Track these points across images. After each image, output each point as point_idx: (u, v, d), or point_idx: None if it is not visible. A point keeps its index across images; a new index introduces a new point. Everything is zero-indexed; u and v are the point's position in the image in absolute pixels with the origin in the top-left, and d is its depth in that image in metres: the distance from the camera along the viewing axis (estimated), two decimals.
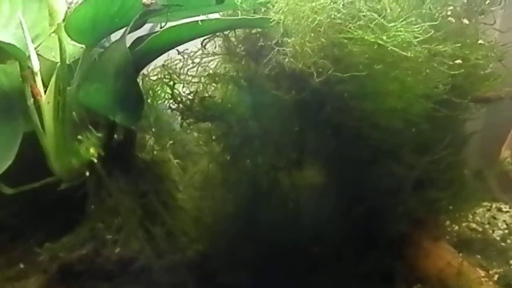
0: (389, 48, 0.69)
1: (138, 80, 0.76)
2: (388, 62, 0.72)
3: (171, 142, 0.92)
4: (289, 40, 0.74)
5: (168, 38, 0.72)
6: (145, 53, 0.73)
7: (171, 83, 0.76)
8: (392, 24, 0.70)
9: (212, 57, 0.79)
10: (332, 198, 0.82)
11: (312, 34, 0.72)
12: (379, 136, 0.78)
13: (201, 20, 0.70)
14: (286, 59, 0.73)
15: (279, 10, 0.76)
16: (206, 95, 0.76)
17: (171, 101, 0.79)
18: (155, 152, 0.93)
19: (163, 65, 0.77)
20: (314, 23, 0.71)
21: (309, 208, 0.83)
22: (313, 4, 0.72)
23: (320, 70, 0.73)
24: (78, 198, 0.92)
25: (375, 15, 0.70)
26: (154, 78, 0.84)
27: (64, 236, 1.00)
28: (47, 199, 0.94)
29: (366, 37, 0.70)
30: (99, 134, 0.85)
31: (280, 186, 0.80)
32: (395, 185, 0.83)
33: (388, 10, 0.74)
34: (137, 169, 0.87)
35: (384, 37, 0.70)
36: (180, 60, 0.83)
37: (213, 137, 0.79)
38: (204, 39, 0.76)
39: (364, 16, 0.70)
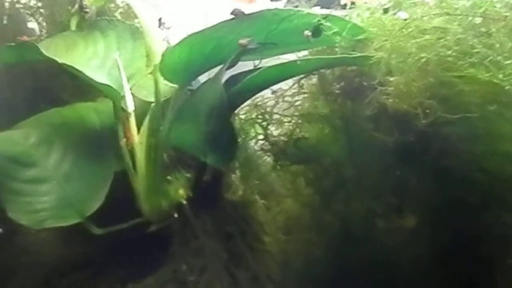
0: (506, 88, 0.64)
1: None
2: (503, 102, 0.67)
3: (257, 182, 0.89)
4: (391, 79, 0.70)
5: (266, 78, 0.69)
6: (240, 92, 0.71)
7: (264, 123, 0.73)
8: (509, 61, 0.65)
9: (305, 96, 0.76)
10: (434, 246, 0.75)
11: (418, 73, 0.68)
12: (488, 181, 0.72)
13: (300, 59, 0.67)
14: (390, 99, 0.69)
15: (380, 47, 0.73)
16: (300, 136, 0.73)
17: (261, 141, 0.77)
18: (240, 192, 0.90)
19: (255, 105, 0.75)
20: (421, 61, 0.67)
21: (406, 256, 0.77)
22: (418, 40, 0.68)
23: (427, 111, 0.68)
24: (162, 238, 0.91)
25: (490, 52, 0.65)
26: (243, 116, 0.82)
27: (147, 276, 0.99)
28: (132, 238, 0.94)
29: (479, 76, 0.65)
30: (188, 175, 0.84)
31: (377, 232, 0.75)
32: (506, 234, 0.76)
33: (498, 45, 0.69)
34: (224, 210, 0.85)
35: (500, 76, 0.65)
36: (270, 99, 0.81)
37: (305, 179, 0.75)
38: (301, 78, 0.74)
39: (477, 52, 0.65)
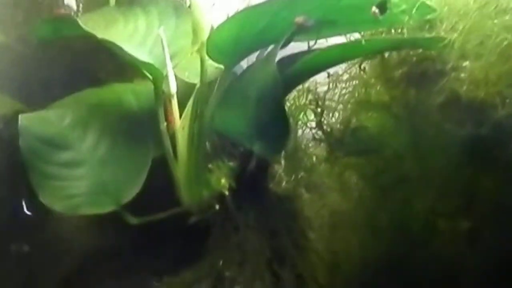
0: None
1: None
2: None
3: (305, 174, 0.82)
4: (464, 64, 0.63)
5: (326, 59, 0.63)
6: (295, 75, 0.64)
7: (318, 110, 0.67)
8: None
9: (363, 81, 0.69)
10: (503, 253, 0.68)
11: (498, 57, 0.61)
12: None
13: (366, 39, 0.60)
14: (464, 87, 0.61)
15: (451, 28, 0.65)
16: (358, 125, 0.66)
17: (313, 129, 0.70)
18: (285, 185, 0.84)
19: (307, 89, 0.69)
20: (503, 44, 0.59)
21: (470, 263, 0.70)
22: (500, 20, 0.60)
23: (506, 100, 0.60)
24: (201, 231, 0.85)
25: None
26: (292, 101, 0.76)
27: (183, 269, 0.94)
28: (169, 229, 0.89)
29: None
30: (231, 164, 0.78)
31: (439, 235, 0.68)
32: None
33: None
34: (269, 204, 0.79)
35: None
36: (323, 83, 0.74)
37: (362, 174, 0.69)
38: (359, 61, 0.67)
39: None
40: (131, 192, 0.74)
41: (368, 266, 0.76)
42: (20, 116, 0.78)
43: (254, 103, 0.66)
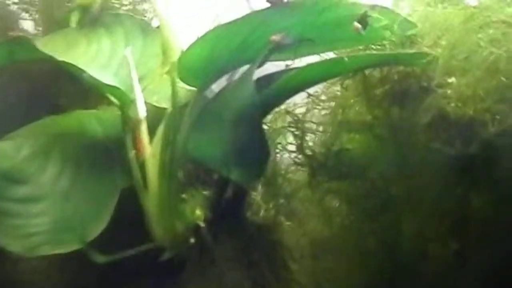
0: None
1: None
2: None
3: (283, 201, 0.78)
4: (450, 80, 0.61)
5: (306, 78, 0.59)
6: (274, 95, 0.60)
7: (298, 132, 0.63)
8: None
9: (344, 100, 0.66)
10: (499, 280, 0.65)
11: (485, 72, 0.59)
12: None
13: (348, 56, 0.57)
14: (451, 104, 0.59)
15: (433, 44, 0.63)
16: (340, 147, 0.62)
17: (293, 154, 0.66)
18: (262, 212, 0.80)
19: (286, 111, 0.65)
20: (490, 58, 0.57)
21: (462, 285, 0.67)
22: (490, 32, 0.58)
23: (496, 117, 0.58)
24: (175, 266, 0.79)
25: None
26: (270, 125, 0.72)
27: None
28: (139, 267, 0.82)
29: None
30: (206, 192, 0.73)
31: (430, 259, 0.65)
32: None
33: None
34: (247, 234, 0.74)
35: None
36: (302, 104, 0.70)
37: (346, 198, 0.65)
38: (339, 80, 0.64)
39: None
40: (97, 228, 0.68)
41: None
42: None
43: (230, 127, 0.62)
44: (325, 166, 0.61)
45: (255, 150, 0.60)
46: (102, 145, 0.74)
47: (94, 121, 0.79)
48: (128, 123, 0.65)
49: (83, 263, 0.83)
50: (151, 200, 0.64)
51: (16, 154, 0.73)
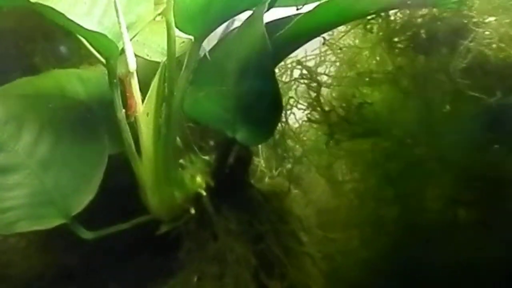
0: None
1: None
2: None
3: (291, 165, 0.70)
4: (488, 20, 0.53)
5: (320, 20, 0.50)
6: (284, 42, 0.51)
7: (314, 85, 0.55)
8: None
9: (363, 48, 0.58)
10: None
11: None
12: None
13: None
14: (490, 47, 0.51)
15: None
16: (361, 101, 0.55)
17: (307, 110, 0.58)
18: (267, 179, 0.72)
19: (298, 61, 0.57)
20: None
21: (496, 259, 0.60)
22: None
23: None
24: (171, 241, 0.72)
25: None
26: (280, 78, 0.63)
27: None
28: (131, 243, 0.74)
29: None
30: (206, 157, 0.65)
31: (461, 229, 0.58)
32: None
33: None
34: (253, 204, 0.67)
35: None
36: (314, 55, 0.62)
37: (366, 159, 0.57)
38: (365, 24, 0.55)
39: None
40: (82, 201, 0.59)
41: (373, 271, 0.65)
42: None
43: (236, 79, 0.53)
44: (345, 122, 0.53)
45: (265, 105, 0.52)
46: (85, 106, 0.65)
47: (74, 80, 0.70)
48: (116, 77, 0.56)
49: (67, 241, 0.76)
50: (145, 166, 0.55)
51: None
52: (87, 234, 0.60)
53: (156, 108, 0.53)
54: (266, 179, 0.71)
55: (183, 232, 0.68)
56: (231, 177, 0.65)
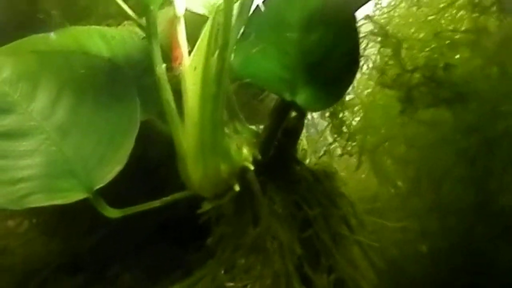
0: None
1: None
2: None
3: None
4: None
5: None
6: None
7: (391, 42, 0.47)
8: None
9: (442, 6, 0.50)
10: None
11: None
12: None
13: None
14: None
15: None
16: (446, 63, 0.47)
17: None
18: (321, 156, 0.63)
19: (367, 16, 0.49)
20: None
21: None
22: None
23: None
24: (199, 224, 0.63)
25: None
26: None
27: (174, 282, 0.70)
28: (149, 223, 0.66)
29: None
30: (252, 127, 0.56)
31: None
32: None
33: None
34: (302, 184, 0.58)
35: None
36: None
37: (442, 131, 0.50)
38: None
39: None
40: (109, 172, 0.50)
41: (438, 263, 0.57)
42: None
43: (300, 31, 0.45)
44: (427, 86, 0.45)
45: (339, 61, 0.44)
46: (110, 65, 0.57)
47: (96, 38, 0.61)
48: (156, 27, 0.48)
49: (74, 224, 0.67)
50: (189, 131, 0.47)
51: None
52: (112, 213, 0.51)
53: (205, 61, 0.45)
54: (321, 155, 0.62)
55: (214, 215, 0.60)
56: (279, 151, 0.57)
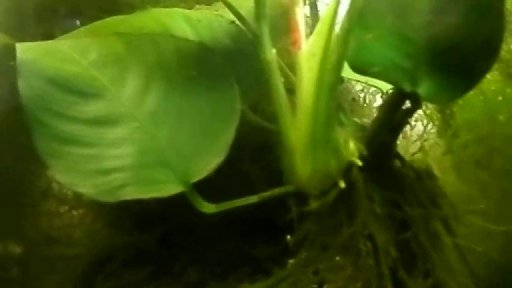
0: None
1: None
2: None
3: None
4: None
5: None
6: None
7: None
8: None
9: None
10: None
11: None
12: None
13: None
14: None
15: None
16: None
17: None
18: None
19: None
20: None
21: None
22: None
23: None
24: (282, 222, 0.59)
25: None
26: None
27: (239, 279, 0.67)
28: (219, 219, 0.62)
29: None
30: (357, 120, 0.53)
31: None
32: None
33: None
34: (403, 181, 0.55)
35: None
36: None
37: None
38: None
39: None
40: (208, 163, 0.46)
41: None
42: (18, 46, 0.50)
43: (427, 14, 0.41)
44: None
45: (477, 45, 0.40)
46: (202, 50, 0.53)
47: (180, 21, 0.57)
48: (265, 8, 0.44)
49: (141, 216, 0.64)
50: (300, 122, 0.43)
51: (82, 57, 0.52)
52: (208, 208, 0.48)
53: (325, 47, 0.41)
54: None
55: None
56: (381, 146, 0.53)
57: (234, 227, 0.66)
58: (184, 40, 0.53)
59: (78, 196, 0.68)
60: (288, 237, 0.57)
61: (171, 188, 0.47)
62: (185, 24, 0.56)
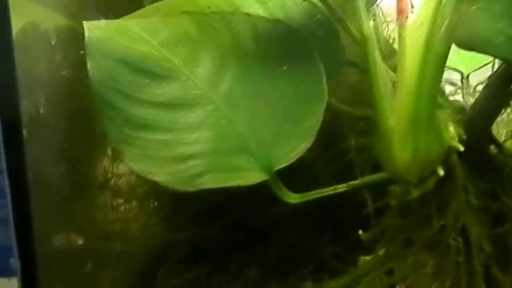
0: None
1: None
2: None
3: None
4: None
5: None
6: None
7: None
8: None
9: None
10: None
11: None
12: None
13: None
14: None
15: None
16: None
17: None
18: None
19: None
20: None
21: None
22: None
23: None
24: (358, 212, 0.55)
25: None
26: None
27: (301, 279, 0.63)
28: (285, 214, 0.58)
29: None
30: (455, 101, 0.48)
31: None
32: None
33: None
34: (502, 170, 0.50)
35: None
36: None
37: None
38: None
39: None
40: (293, 150, 0.42)
41: None
42: (85, 25, 0.47)
43: None
44: None
45: None
46: (281, 28, 0.50)
47: (253, 2, 0.54)
48: None
49: (197, 210, 0.61)
50: (401, 103, 0.39)
51: (152, 37, 0.48)
52: (292, 198, 0.44)
53: (434, 15, 0.37)
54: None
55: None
56: (478, 132, 0.49)
57: (296, 223, 0.63)
58: (260, 17, 0.49)
59: (133, 189, 0.66)
60: (361, 232, 0.53)
61: (254, 176, 0.43)
62: (255, 2, 0.53)
